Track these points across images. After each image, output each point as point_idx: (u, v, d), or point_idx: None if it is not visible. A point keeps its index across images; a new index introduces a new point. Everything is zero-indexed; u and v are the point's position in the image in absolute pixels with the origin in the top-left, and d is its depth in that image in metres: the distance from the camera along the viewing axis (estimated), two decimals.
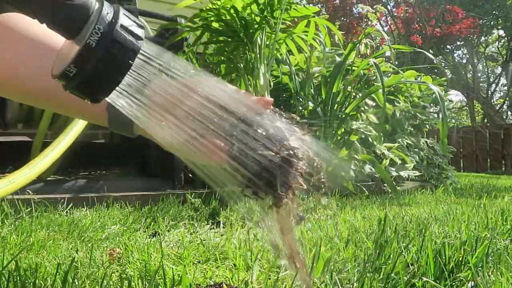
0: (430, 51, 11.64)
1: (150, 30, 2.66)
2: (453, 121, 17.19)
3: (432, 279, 0.77)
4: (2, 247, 1.02)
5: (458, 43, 14.49)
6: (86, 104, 0.45)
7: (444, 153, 3.42)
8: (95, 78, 0.42)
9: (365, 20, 9.11)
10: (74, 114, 0.73)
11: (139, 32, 0.43)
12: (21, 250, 0.99)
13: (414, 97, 3.48)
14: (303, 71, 2.77)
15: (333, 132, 2.52)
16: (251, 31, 2.12)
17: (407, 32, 12.98)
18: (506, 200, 2.27)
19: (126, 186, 2.03)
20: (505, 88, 16.21)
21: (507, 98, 15.25)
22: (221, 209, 1.70)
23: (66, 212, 1.59)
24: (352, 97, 2.70)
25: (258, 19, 2.12)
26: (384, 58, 3.62)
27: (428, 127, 3.74)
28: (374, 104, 2.97)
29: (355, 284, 0.77)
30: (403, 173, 2.88)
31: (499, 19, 14.05)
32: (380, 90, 2.52)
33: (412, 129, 3.47)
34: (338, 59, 2.72)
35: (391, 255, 0.88)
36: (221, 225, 1.47)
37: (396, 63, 3.97)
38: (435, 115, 4.99)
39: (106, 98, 0.44)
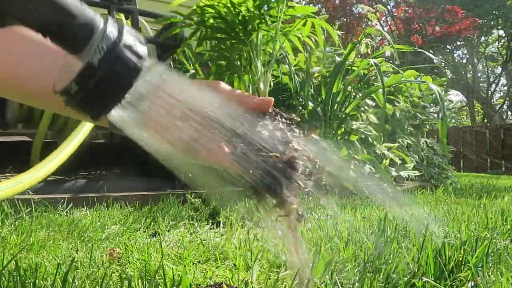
0: (430, 51, 11.65)
1: (150, 30, 2.66)
2: (453, 121, 17.21)
3: (432, 279, 0.77)
4: (2, 247, 1.02)
5: (458, 43, 14.50)
6: None
7: (444, 153, 3.42)
8: (97, 96, 0.42)
9: (365, 20, 9.12)
10: (74, 114, 0.73)
11: (142, 50, 0.43)
12: (21, 250, 0.99)
13: (414, 97, 3.48)
14: (303, 71, 2.76)
15: (333, 132, 2.52)
16: (248, 27, 2.12)
17: (407, 32, 12.99)
18: (506, 200, 2.27)
19: (126, 186, 2.03)
20: (505, 88, 16.22)
21: (507, 98, 15.26)
22: (221, 209, 1.70)
23: (66, 212, 1.59)
24: (352, 97, 2.70)
25: (254, 15, 2.11)
26: (384, 58, 3.62)
27: (428, 127, 3.75)
28: (374, 104, 2.97)
29: (355, 284, 0.77)
30: (403, 173, 2.88)
31: (499, 19, 14.07)
32: (380, 90, 2.52)
33: (412, 129, 3.47)
34: (338, 59, 2.71)
35: (391, 255, 0.88)
36: (221, 225, 1.47)
37: (397, 62, 3.97)
38: (435, 115, 5.00)
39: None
